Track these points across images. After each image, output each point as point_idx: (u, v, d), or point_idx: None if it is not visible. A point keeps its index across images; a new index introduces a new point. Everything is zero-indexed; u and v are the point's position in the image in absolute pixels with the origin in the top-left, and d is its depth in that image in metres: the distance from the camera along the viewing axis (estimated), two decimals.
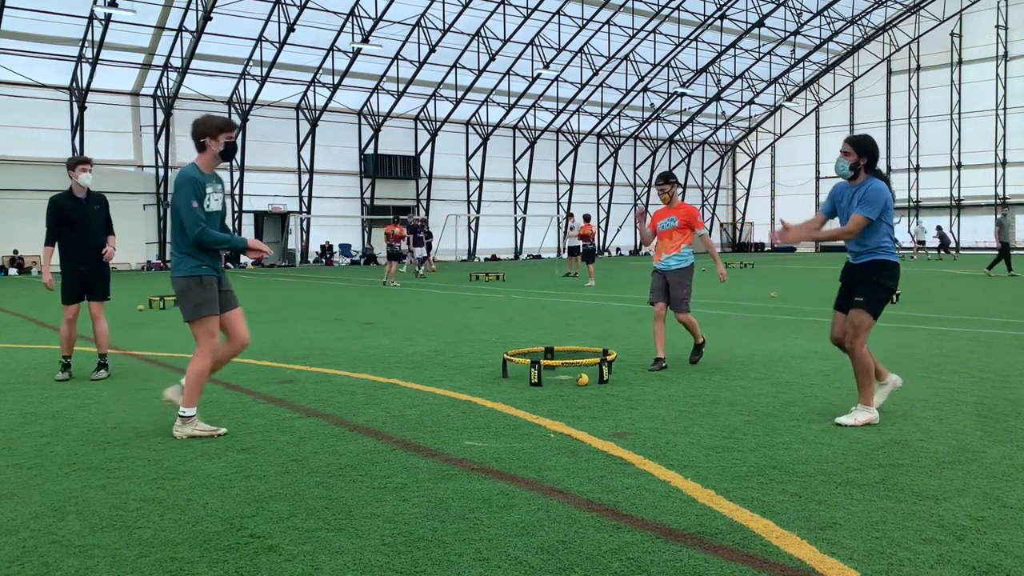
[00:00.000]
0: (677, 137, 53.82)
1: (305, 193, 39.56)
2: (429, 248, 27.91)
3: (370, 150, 41.51)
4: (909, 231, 40.53)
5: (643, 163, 52.99)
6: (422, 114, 42.90)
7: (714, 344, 9.68)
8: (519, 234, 47.57)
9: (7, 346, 10.48)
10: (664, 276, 8.22)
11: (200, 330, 5.47)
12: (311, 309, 15.21)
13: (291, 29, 33.29)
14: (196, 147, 5.53)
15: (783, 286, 19.62)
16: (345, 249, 40.70)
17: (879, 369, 5.91)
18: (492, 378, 7.58)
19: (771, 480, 4.39)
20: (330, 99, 38.70)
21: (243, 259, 37.70)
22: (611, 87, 46.60)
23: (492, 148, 45.80)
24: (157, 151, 35.42)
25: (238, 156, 37.12)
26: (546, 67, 41.45)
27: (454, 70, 40.68)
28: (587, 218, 24.27)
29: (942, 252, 37.30)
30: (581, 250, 23.83)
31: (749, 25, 44.60)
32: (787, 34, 46.56)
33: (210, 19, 31.26)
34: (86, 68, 32.38)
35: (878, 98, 50.62)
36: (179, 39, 33.09)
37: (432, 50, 37.92)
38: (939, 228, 38.14)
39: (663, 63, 46.02)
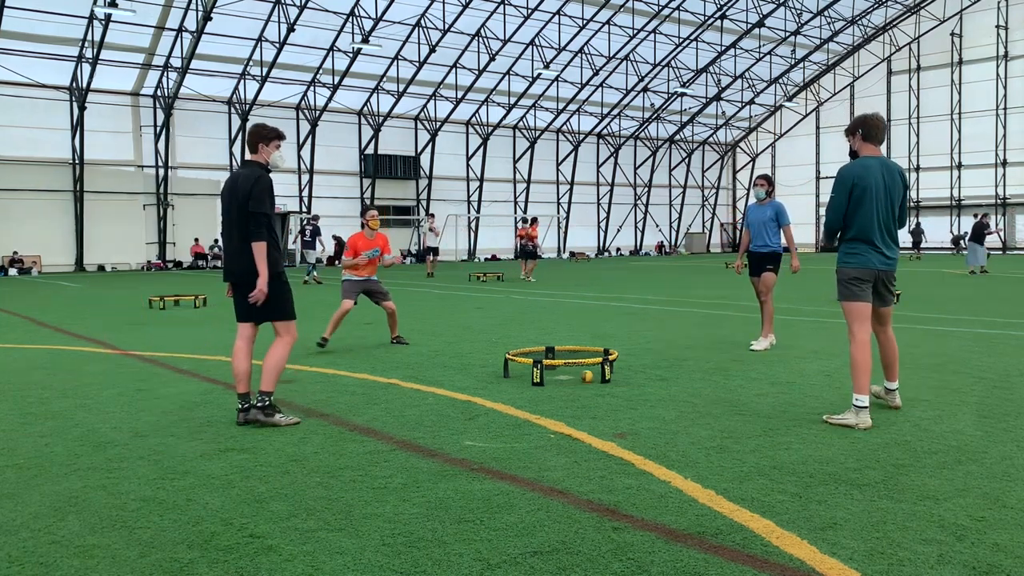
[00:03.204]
0: (677, 137, 53.81)
1: (305, 193, 39.56)
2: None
3: (370, 150, 41.50)
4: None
5: (643, 163, 52.97)
6: (422, 114, 42.90)
7: (714, 344, 9.68)
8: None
9: (7, 346, 10.48)
10: None
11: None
12: (311, 309, 15.20)
13: (291, 29, 33.28)
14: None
15: (783, 286, 19.61)
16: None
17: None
18: (492, 378, 7.57)
19: (771, 480, 4.38)
20: (330, 99, 38.69)
21: None
22: (611, 87, 46.59)
23: (492, 148, 45.78)
24: (157, 151, 35.41)
25: (238, 156, 37.17)
26: (546, 67, 41.43)
27: (454, 70, 40.67)
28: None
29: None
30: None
31: (749, 25, 44.58)
32: (787, 34, 46.55)
33: (210, 19, 31.24)
34: (86, 68, 32.36)
35: (878, 98, 50.60)
36: (179, 39, 33.09)
37: (432, 50, 37.91)
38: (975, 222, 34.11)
39: (663, 63, 46.00)
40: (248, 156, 6.05)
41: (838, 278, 5.88)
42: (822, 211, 53.06)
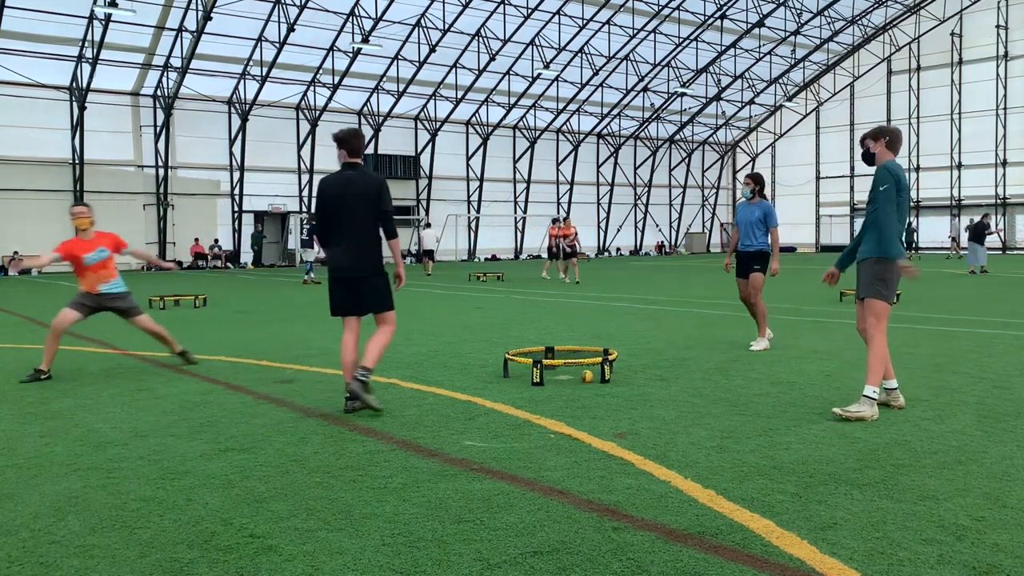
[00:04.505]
0: (677, 137, 53.81)
1: (305, 193, 39.55)
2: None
3: (370, 150, 41.49)
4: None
5: (643, 163, 52.97)
6: (422, 114, 42.89)
7: (714, 344, 9.68)
8: (519, 234, 47.56)
9: (7, 346, 10.48)
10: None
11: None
12: (312, 308, 15.20)
13: (291, 29, 33.28)
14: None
15: (782, 286, 19.60)
16: None
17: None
18: (492, 378, 7.57)
19: (771, 480, 4.38)
20: (330, 99, 38.69)
21: (243, 259, 37.72)
22: (611, 87, 46.59)
23: (492, 148, 45.78)
24: (157, 151, 35.39)
25: (238, 156, 37.17)
26: (546, 67, 41.43)
27: (454, 70, 40.66)
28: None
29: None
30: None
31: (749, 25, 44.58)
32: (787, 34, 46.54)
33: (210, 19, 31.25)
34: (86, 68, 32.35)
35: (878, 98, 50.60)
36: (179, 39, 33.08)
37: (432, 50, 37.90)
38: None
39: (663, 63, 46.00)
40: (353, 159, 6.35)
41: (880, 274, 5.91)
42: (823, 211, 53.15)
